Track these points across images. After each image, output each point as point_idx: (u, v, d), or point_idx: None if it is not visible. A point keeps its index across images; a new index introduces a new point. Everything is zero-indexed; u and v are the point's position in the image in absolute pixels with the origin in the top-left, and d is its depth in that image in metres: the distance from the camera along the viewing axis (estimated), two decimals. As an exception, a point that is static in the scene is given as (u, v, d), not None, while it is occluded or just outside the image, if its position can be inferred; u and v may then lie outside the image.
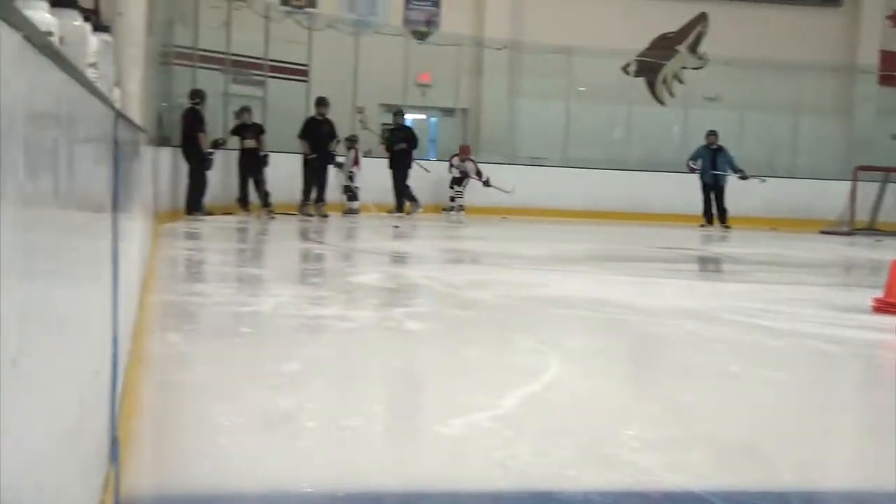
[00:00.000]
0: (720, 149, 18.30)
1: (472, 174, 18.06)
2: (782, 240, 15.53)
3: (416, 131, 18.75)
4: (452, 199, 18.13)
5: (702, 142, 18.59)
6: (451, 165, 18.30)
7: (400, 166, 17.71)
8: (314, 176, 16.35)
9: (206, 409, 3.50)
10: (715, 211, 18.27)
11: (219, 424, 3.30)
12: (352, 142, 17.19)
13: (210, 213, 14.61)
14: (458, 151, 18.57)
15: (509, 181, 17.86)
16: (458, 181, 18.06)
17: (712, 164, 18.15)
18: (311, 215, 16.03)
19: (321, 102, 16.60)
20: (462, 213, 17.80)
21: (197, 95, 14.93)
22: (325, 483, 2.80)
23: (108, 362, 2.55)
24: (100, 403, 2.26)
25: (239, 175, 15.76)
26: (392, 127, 18.14)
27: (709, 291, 8.70)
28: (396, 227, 14.73)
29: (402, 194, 17.72)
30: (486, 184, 18.00)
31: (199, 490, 2.74)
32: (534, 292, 7.49)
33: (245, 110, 16.04)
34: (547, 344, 5.18)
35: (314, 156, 16.20)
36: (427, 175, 18.18)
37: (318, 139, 16.30)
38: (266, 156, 15.64)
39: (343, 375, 4.43)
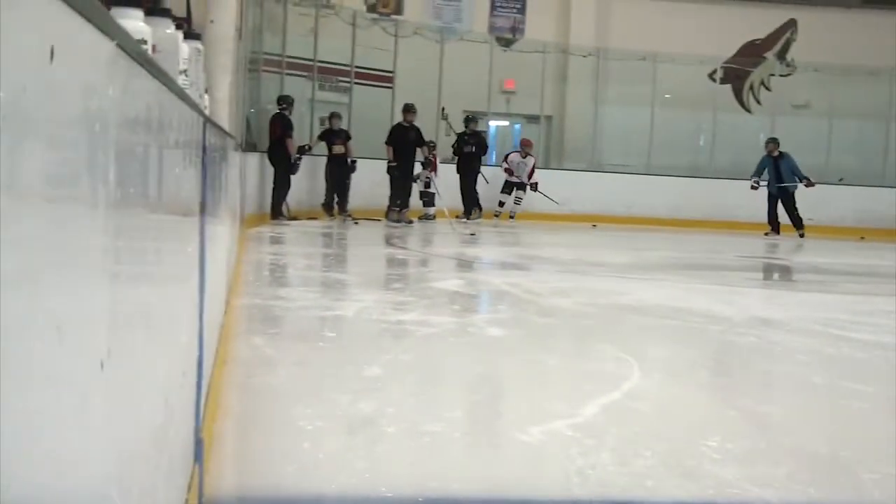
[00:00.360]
0: (781, 156, 17.56)
1: (525, 174, 17.93)
2: (870, 250, 15.20)
3: (500, 138, 18.63)
4: (501, 203, 18.07)
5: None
6: (505, 160, 18.20)
7: (468, 171, 17.57)
8: (398, 182, 16.41)
9: (289, 413, 3.54)
10: (789, 220, 17.72)
11: (301, 427, 3.33)
12: (429, 148, 17.18)
13: (295, 218, 14.76)
14: (517, 148, 18.48)
15: (561, 194, 17.85)
16: (520, 186, 17.98)
17: (776, 174, 17.55)
18: (397, 221, 16.08)
19: (409, 109, 16.56)
20: (512, 219, 17.79)
21: (285, 101, 15.07)
22: (404, 488, 2.82)
23: (193, 364, 2.60)
24: (185, 405, 2.30)
25: (327, 180, 15.91)
26: (461, 132, 17.84)
27: (791, 301, 8.54)
28: (472, 234, 14.66)
29: (471, 199, 17.61)
30: (534, 188, 17.89)
31: (281, 492, 2.77)
32: (615, 300, 7.45)
33: (334, 116, 16.17)
34: (627, 352, 5.13)
35: (394, 163, 16.23)
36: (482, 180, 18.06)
37: (405, 145, 16.33)
38: (354, 162, 15.77)
39: (424, 381, 4.44)
